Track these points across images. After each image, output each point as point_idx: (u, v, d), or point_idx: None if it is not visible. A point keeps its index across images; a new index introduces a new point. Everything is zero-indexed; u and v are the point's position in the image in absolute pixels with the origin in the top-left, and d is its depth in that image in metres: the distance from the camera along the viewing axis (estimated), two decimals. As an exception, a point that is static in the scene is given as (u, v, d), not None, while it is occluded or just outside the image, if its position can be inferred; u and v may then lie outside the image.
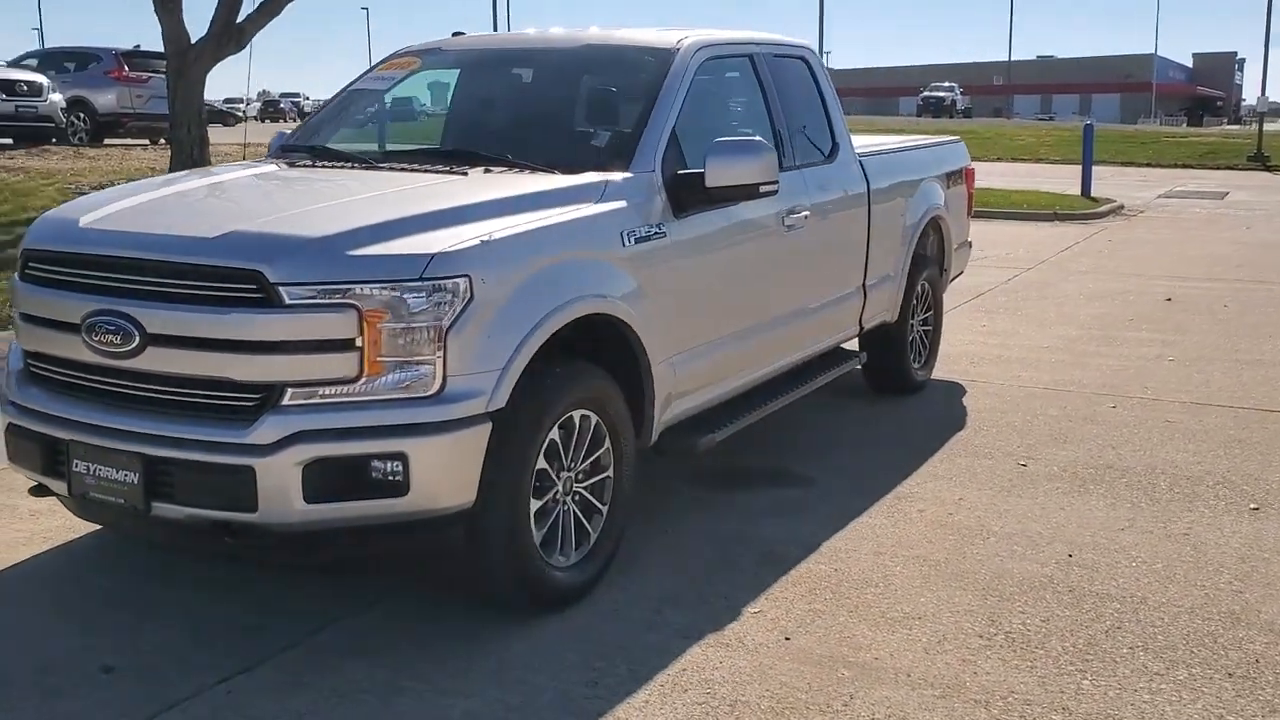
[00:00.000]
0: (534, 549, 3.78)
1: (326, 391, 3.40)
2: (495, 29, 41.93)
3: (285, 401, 3.39)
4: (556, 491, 3.92)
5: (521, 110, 5.11)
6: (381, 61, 5.48)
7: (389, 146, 5.18)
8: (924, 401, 6.87)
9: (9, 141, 18.80)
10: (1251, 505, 5.13)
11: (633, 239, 4.16)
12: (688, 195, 4.42)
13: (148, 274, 3.52)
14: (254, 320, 3.38)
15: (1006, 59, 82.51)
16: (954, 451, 5.89)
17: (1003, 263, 12.73)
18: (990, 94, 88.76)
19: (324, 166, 4.78)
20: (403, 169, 4.50)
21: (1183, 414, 6.61)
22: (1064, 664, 3.68)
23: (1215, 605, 4.10)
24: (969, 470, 5.59)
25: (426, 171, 4.42)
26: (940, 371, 7.51)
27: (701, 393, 4.73)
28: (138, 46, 22.73)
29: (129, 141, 22.22)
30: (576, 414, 3.94)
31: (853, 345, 6.53)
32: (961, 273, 8.01)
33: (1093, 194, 19.64)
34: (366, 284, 3.39)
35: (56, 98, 19.05)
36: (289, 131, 5.42)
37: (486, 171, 4.39)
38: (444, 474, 3.48)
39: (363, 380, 3.40)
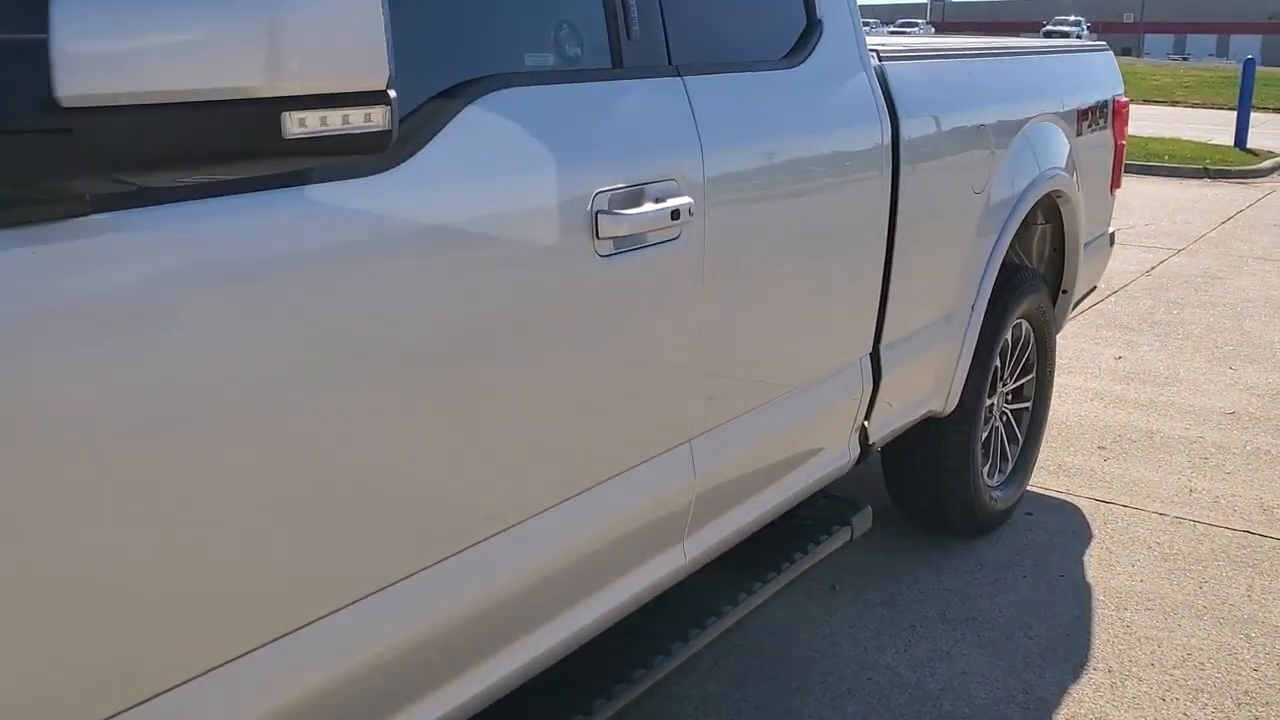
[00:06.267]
0: None
1: None
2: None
3: None
4: None
5: None
6: None
7: None
8: (998, 561, 3.44)
9: None
10: None
11: None
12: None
13: None
14: None
15: (1140, -7, 76.20)
16: (1062, 764, 2.51)
17: (1144, 239, 9.08)
18: (1120, 32, 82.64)
19: None
20: None
21: None
22: None
23: None
24: None
25: None
26: (1044, 469, 4.10)
27: None
28: None
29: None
30: None
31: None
32: (1094, 289, 4.51)
33: (1249, 145, 15.60)
34: None
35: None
36: None
37: None
38: None
39: None
